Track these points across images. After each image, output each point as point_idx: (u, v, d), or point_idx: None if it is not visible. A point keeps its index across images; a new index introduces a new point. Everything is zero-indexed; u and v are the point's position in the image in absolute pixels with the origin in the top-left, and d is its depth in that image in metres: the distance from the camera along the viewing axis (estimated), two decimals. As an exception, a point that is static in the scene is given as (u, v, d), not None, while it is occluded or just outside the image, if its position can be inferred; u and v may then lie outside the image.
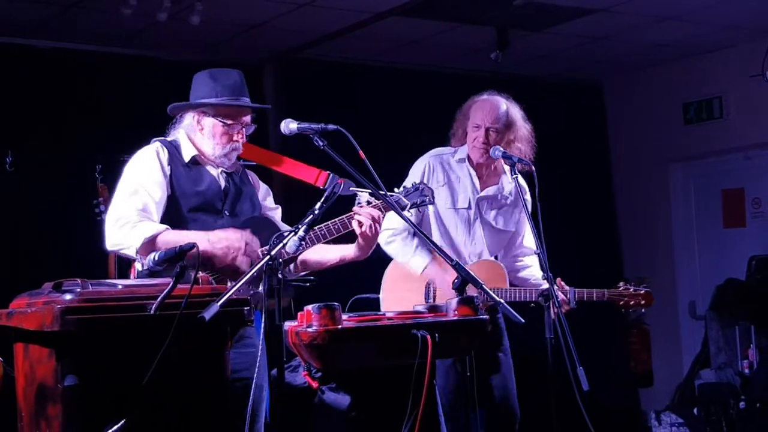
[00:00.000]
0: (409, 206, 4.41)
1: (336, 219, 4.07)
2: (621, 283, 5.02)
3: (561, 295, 4.72)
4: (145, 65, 7.32)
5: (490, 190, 5.01)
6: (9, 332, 3.38)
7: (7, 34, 6.89)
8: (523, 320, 3.55)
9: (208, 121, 4.15)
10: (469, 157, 5.00)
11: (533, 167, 4.45)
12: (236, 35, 7.23)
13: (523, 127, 5.05)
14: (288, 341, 3.47)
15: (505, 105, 5.02)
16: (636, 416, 8.82)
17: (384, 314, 3.77)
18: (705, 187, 8.92)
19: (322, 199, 3.66)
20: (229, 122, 4.14)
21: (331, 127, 3.94)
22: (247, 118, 4.20)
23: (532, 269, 5.10)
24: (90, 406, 3.11)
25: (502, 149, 4.63)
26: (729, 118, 8.47)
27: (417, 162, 5.04)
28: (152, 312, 3.17)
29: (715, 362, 7.81)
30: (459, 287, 3.70)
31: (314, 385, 3.63)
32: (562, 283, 4.80)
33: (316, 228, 4.03)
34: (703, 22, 7.51)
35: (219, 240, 3.92)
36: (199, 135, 4.17)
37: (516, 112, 5.06)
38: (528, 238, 5.09)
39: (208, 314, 3.10)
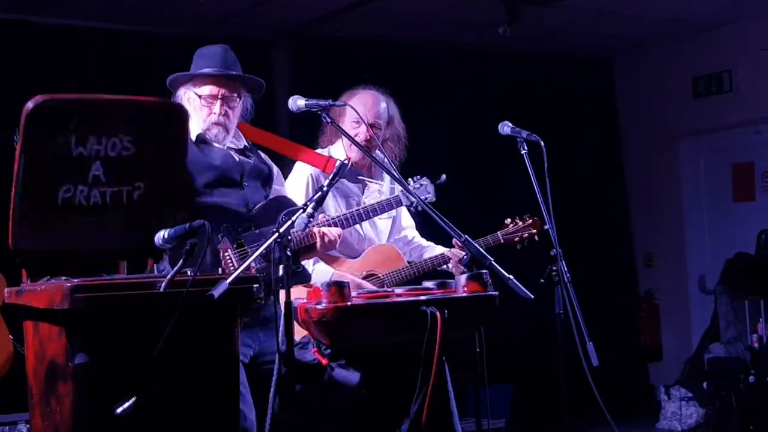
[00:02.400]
0: (415, 202, 4.41)
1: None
2: (507, 220, 4.98)
3: (457, 254, 4.68)
4: (153, 42, 7.31)
5: (372, 191, 4.84)
6: (19, 310, 3.39)
7: (14, 11, 6.88)
8: (532, 296, 3.55)
9: (189, 95, 4.15)
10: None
11: (542, 142, 4.42)
12: (244, 11, 7.20)
13: (398, 126, 4.86)
14: (298, 318, 3.48)
15: (384, 101, 4.82)
16: (645, 391, 8.84)
17: (393, 291, 3.77)
18: (714, 162, 8.90)
19: (330, 178, 3.65)
20: (203, 93, 4.10)
21: (338, 103, 3.94)
22: (225, 91, 4.12)
23: (416, 237, 5.03)
24: (100, 384, 3.11)
25: (510, 125, 4.59)
26: (739, 91, 8.43)
27: (294, 175, 4.71)
28: (162, 290, 3.17)
29: (725, 336, 7.81)
30: (468, 264, 3.69)
31: (324, 361, 3.64)
32: (457, 242, 4.70)
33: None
34: (711, -5, 7.48)
35: None
36: (190, 111, 4.15)
37: (394, 110, 4.87)
38: (404, 216, 5.03)
39: (217, 292, 3.10)
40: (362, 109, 4.63)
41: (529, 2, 7.35)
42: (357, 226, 4.66)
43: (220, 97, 4.11)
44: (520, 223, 4.96)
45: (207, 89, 4.11)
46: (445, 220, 3.62)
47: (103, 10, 7.01)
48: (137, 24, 7.30)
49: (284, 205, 4.15)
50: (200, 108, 4.11)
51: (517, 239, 4.93)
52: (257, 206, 4.13)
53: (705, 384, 7.49)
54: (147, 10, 7.01)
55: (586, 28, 8.21)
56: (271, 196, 4.24)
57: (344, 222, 4.30)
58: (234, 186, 4.12)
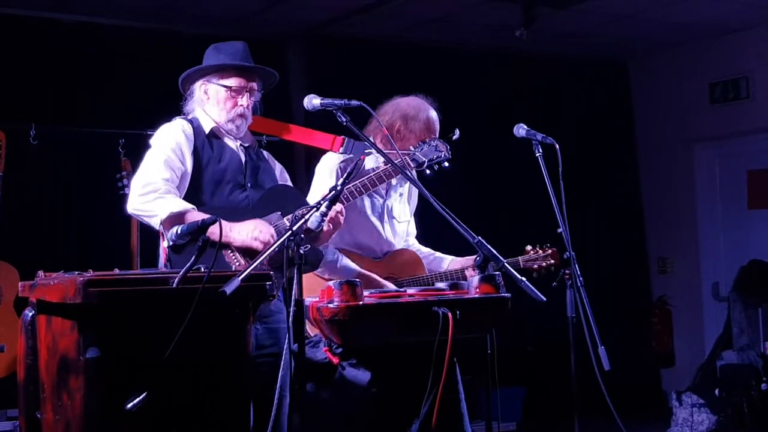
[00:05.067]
0: (426, 163, 4.40)
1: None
2: (528, 247, 4.96)
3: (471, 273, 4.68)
4: (170, 40, 7.33)
5: (398, 189, 4.86)
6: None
7: (31, 8, 6.91)
8: (545, 299, 3.54)
9: (213, 88, 4.23)
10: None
11: (557, 145, 4.41)
12: (261, 10, 7.21)
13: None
14: (309, 316, 3.48)
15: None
16: (657, 396, 8.82)
17: (405, 291, 3.76)
18: (730, 168, 8.87)
19: (344, 175, 3.65)
20: (232, 85, 4.19)
21: (354, 103, 3.93)
22: (253, 84, 4.25)
23: (421, 247, 5.03)
24: (112, 379, 3.12)
25: (526, 127, 4.59)
26: (755, 98, 8.41)
27: (323, 165, 4.65)
28: (174, 285, 3.18)
29: (738, 344, 7.79)
30: (481, 265, 3.68)
31: (335, 360, 3.63)
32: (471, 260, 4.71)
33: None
34: (729, 0, 7.44)
35: (246, 231, 3.96)
36: (208, 105, 4.24)
37: None
38: (411, 221, 5.02)
39: (229, 288, 3.10)
40: (433, 128, 4.69)
41: (546, 5, 7.34)
42: (378, 226, 4.67)
43: (248, 89, 4.22)
44: (540, 251, 4.93)
45: (235, 81, 4.21)
46: (459, 221, 3.62)
47: (120, 8, 7.03)
48: (154, 22, 7.32)
49: (282, 193, 4.20)
50: (225, 100, 4.21)
51: (536, 266, 4.90)
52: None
53: (717, 391, 7.46)
54: (164, 9, 7.02)
55: (602, 32, 8.20)
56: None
57: (348, 196, 4.29)
58: (238, 187, 4.19)
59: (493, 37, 8.05)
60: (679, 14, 7.76)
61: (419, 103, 4.79)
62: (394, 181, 4.74)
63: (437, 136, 4.74)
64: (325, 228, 4.05)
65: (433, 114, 4.76)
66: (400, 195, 4.82)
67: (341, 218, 4.17)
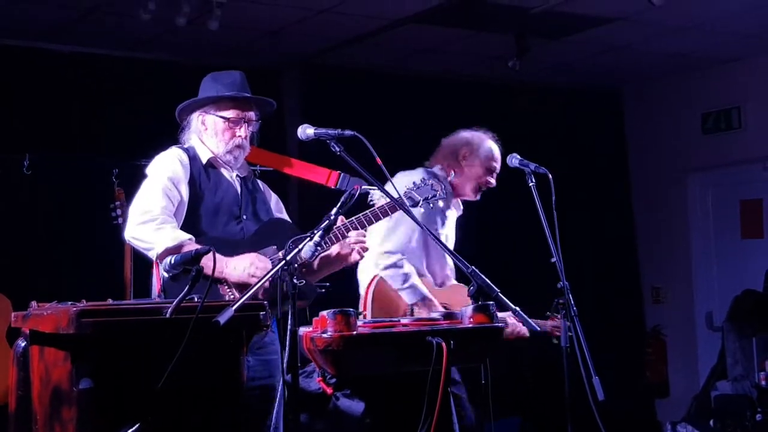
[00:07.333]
0: (421, 201, 4.42)
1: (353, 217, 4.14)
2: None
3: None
4: (164, 70, 7.35)
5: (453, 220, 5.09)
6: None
7: (26, 38, 6.92)
8: (539, 329, 3.54)
9: (211, 119, 4.21)
10: (453, 188, 5.06)
11: (550, 175, 4.43)
12: (255, 41, 7.24)
13: None
14: (303, 347, 3.47)
15: None
16: (652, 427, 8.79)
17: (399, 321, 3.76)
18: (723, 198, 8.89)
19: (338, 204, 3.65)
20: (230, 116, 4.18)
21: (347, 132, 3.94)
22: (250, 114, 4.23)
23: None
24: (105, 410, 3.11)
25: (519, 157, 4.61)
26: (748, 128, 8.44)
27: (403, 174, 4.83)
28: (168, 316, 3.17)
29: (732, 374, 7.77)
30: (474, 295, 3.68)
31: (329, 391, 3.62)
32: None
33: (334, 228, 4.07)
34: (722, 32, 7.48)
35: (243, 266, 3.95)
36: (206, 135, 4.23)
37: None
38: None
39: (222, 318, 3.10)
40: (499, 161, 4.97)
41: (539, 36, 7.38)
42: (446, 256, 4.70)
43: (245, 119, 4.20)
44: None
45: (233, 112, 4.20)
46: (453, 251, 3.62)
47: (116, 38, 7.05)
48: (152, 52, 7.34)
49: (278, 227, 4.20)
50: (223, 131, 4.19)
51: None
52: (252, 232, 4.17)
53: (712, 421, 7.45)
54: (162, 39, 7.05)
55: (595, 62, 8.24)
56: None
57: (343, 231, 4.27)
58: (233, 218, 4.17)
59: (486, 67, 8.08)
60: (671, 45, 7.80)
61: (482, 134, 5.11)
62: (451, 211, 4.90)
63: (499, 165, 4.95)
64: (352, 258, 4.07)
65: (495, 146, 5.03)
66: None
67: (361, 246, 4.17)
